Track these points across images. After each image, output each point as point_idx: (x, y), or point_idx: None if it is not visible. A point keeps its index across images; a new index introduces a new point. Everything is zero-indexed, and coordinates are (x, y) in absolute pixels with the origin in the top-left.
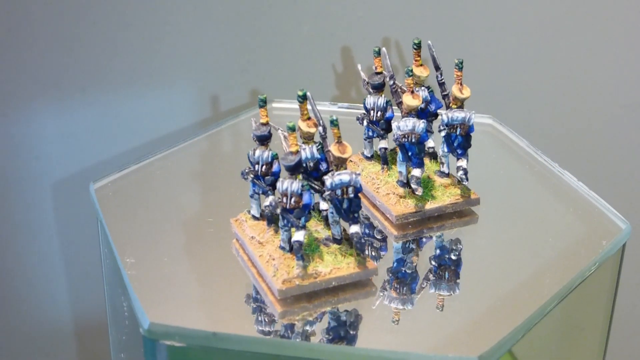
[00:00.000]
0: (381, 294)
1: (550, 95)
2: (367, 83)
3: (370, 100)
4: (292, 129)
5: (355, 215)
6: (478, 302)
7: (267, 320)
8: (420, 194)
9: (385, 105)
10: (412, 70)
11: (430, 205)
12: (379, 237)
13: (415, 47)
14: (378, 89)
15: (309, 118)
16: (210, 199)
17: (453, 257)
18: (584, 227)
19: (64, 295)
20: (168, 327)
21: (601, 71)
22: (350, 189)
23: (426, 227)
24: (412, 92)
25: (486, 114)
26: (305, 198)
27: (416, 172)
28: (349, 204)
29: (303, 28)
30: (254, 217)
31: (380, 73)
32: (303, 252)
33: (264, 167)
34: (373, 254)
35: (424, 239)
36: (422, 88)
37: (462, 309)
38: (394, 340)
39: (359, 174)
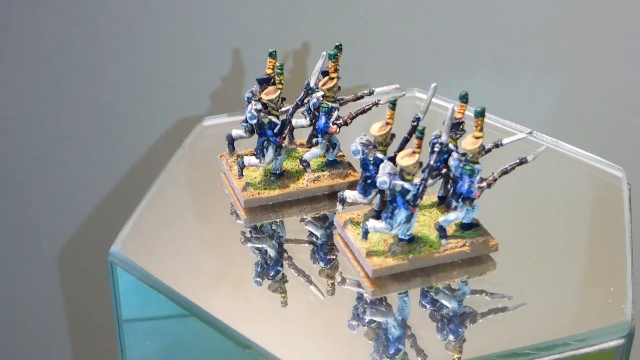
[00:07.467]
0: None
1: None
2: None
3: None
4: (272, 55)
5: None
6: None
7: None
8: (339, 209)
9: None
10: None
11: (350, 232)
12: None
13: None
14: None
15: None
16: None
17: None
18: None
19: None
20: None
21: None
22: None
23: None
24: (387, 123)
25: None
26: (247, 109)
27: (348, 191)
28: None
29: (303, 28)
30: None
31: None
32: (232, 146)
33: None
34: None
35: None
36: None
37: None
38: None
39: (254, 116)
